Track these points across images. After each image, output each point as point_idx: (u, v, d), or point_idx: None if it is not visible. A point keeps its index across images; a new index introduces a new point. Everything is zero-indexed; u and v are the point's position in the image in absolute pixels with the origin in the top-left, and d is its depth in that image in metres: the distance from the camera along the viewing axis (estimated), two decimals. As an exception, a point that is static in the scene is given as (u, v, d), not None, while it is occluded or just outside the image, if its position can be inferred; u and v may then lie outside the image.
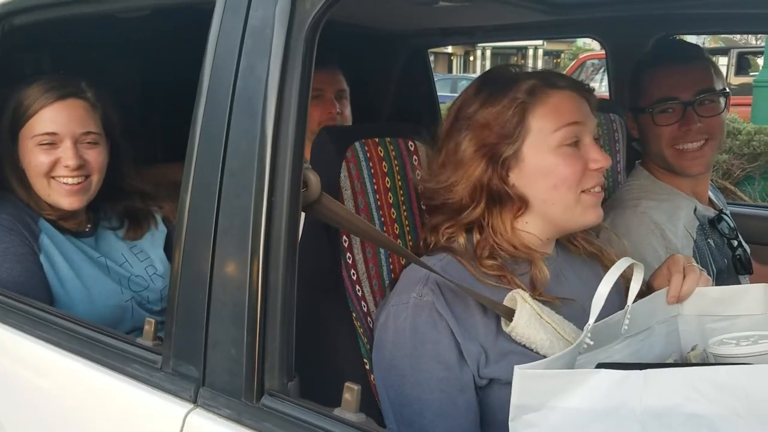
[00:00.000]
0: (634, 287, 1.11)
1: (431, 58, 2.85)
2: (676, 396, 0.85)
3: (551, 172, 1.20)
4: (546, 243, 1.26)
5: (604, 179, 1.24)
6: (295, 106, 0.96)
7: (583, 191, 1.21)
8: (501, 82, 1.24)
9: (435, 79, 2.72)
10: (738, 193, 6.65)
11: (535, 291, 1.19)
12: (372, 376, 1.25)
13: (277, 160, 0.96)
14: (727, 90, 1.75)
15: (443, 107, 2.74)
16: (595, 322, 1.02)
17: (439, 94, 2.85)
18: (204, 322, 1.00)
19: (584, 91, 1.25)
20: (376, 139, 1.38)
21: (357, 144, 1.34)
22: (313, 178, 1.04)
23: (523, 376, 0.90)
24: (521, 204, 1.22)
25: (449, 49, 27.21)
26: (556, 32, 2.68)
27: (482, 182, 1.21)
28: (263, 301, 0.96)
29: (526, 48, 27.11)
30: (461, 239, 1.23)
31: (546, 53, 28.52)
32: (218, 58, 1.02)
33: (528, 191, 1.22)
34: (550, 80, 1.23)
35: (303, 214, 1.19)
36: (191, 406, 1.00)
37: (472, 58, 29.03)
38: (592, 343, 1.01)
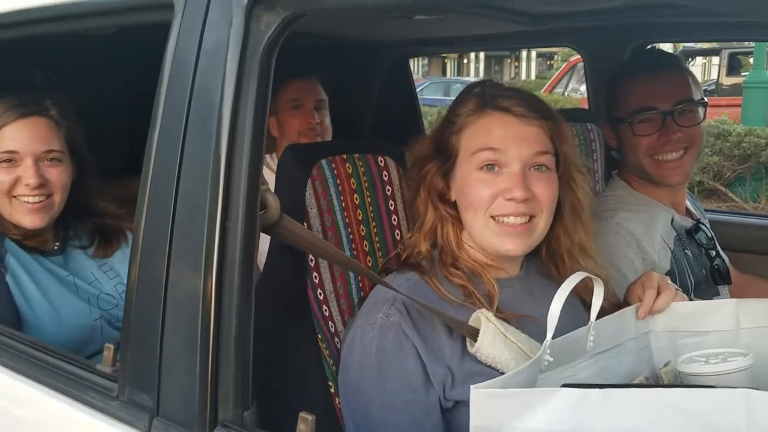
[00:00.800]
0: (596, 303, 1.10)
1: (425, 61, 2.85)
2: (635, 418, 0.83)
3: (464, 192, 1.21)
4: (500, 261, 1.24)
5: (534, 209, 1.18)
6: (250, 128, 0.94)
7: (492, 217, 1.18)
8: (457, 99, 1.27)
9: (429, 83, 2.72)
10: (729, 194, 6.67)
11: (493, 306, 1.17)
12: (337, 399, 1.23)
13: (231, 182, 0.94)
14: (705, 99, 1.74)
15: (436, 111, 2.74)
16: (556, 338, 1.00)
17: (432, 97, 2.85)
18: (158, 349, 0.98)
19: (535, 117, 1.20)
20: (344, 156, 1.36)
21: (323, 161, 1.32)
22: (272, 200, 1.03)
23: (480, 396, 0.89)
24: (458, 218, 1.24)
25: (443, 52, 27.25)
26: (534, 42, 2.67)
27: (430, 193, 1.25)
28: (216, 327, 0.94)
29: (519, 50, 27.17)
30: (424, 249, 1.24)
31: (539, 55, 28.59)
32: (173, 79, 1.01)
33: (459, 208, 1.24)
34: (494, 102, 1.21)
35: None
36: (145, 436, 0.98)
37: (465, 61, 29.07)
38: (552, 359, 1.00)
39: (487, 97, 1.22)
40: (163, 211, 1.00)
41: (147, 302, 1.01)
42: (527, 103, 1.21)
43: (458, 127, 1.23)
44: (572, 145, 1.27)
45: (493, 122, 1.20)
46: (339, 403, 1.22)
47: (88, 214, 1.68)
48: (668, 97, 1.65)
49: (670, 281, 1.26)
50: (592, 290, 1.25)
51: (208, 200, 0.95)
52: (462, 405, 1.13)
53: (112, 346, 1.10)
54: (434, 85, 16.17)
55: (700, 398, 0.83)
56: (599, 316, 1.12)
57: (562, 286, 1.03)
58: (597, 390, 0.85)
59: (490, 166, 1.18)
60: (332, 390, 1.24)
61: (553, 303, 1.02)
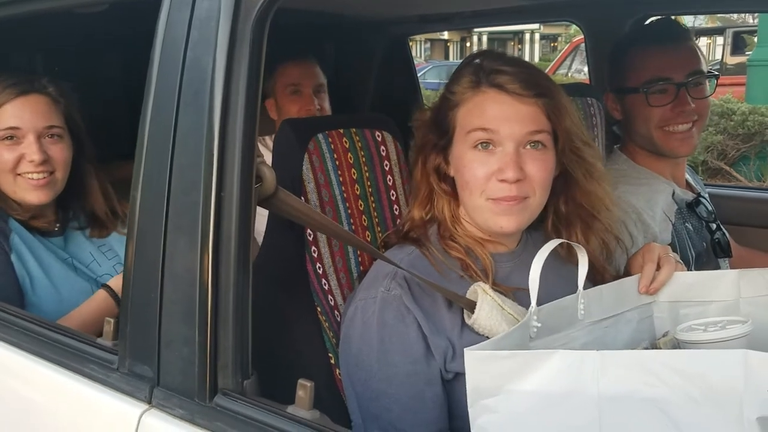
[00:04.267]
0: (582, 271, 1.10)
1: (427, 45, 2.83)
2: (633, 380, 0.84)
3: (460, 171, 1.21)
4: (496, 236, 1.24)
5: (526, 191, 1.17)
6: (243, 99, 0.94)
7: (489, 198, 1.18)
8: (454, 73, 1.26)
9: (431, 66, 2.70)
10: (734, 173, 6.63)
11: (489, 280, 1.18)
12: (337, 370, 1.24)
13: (226, 154, 0.94)
14: (716, 73, 1.74)
15: (438, 95, 2.73)
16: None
17: (435, 81, 2.84)
18: (157, 321, 0.99)
19: (531, 95, 1.18)
20: (341, 131, 1.36)
21: (320, 136, 1.32)
22: (268, 173, 1.02)
23: (475, 358, 0.89)
24: (455, 194, 1.24)
25: (445, 36, 27.08)
26: (534, 17, 2.65)
27: (427, 166, 1.25)
28: (214, 299, 0.94)
29: (522, 32, 26.97)
30: (417, 217, 1.25)
31: (543, 37, 28.40)
32: (165, 51, 1.00)
33: (456, 184, 1.24)
34: (489, 78, 1.19)
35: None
36: (146, 406, 0.99)
37: (468, 44, 28.90)
38: (539, 325, 1.01)
39: (482, 72, 1.21)
40: (158, 184, 1.00)
41: (145, 275, 1.01)
42: (523, 80, 1.18)
43: (454, 104, 1.23)
44: (573, 118, 1.24)
45: (486, 101, 1.19)
46: (339, 374, 1.22)
47: (85, 194, 1.68)
48: (682, 68, 1.65)
49: (671, 252, 1.26)
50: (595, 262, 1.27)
51: (203, 173, 0.95)
52: (461, 376, 1.13)
53: (112, 320, 1.11)
54: (436, 69, 16.08)
55: (699, 360, 0.83)
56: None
57: (541, 250, 1.03)
58: (593, 352, 0.85)
59: (484, 144, 1.18)
60: (332, 361, 1.25)
61: (532, 268, 1.02)
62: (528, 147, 1.18)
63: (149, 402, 0.99)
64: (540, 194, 1.19)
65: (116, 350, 1.07)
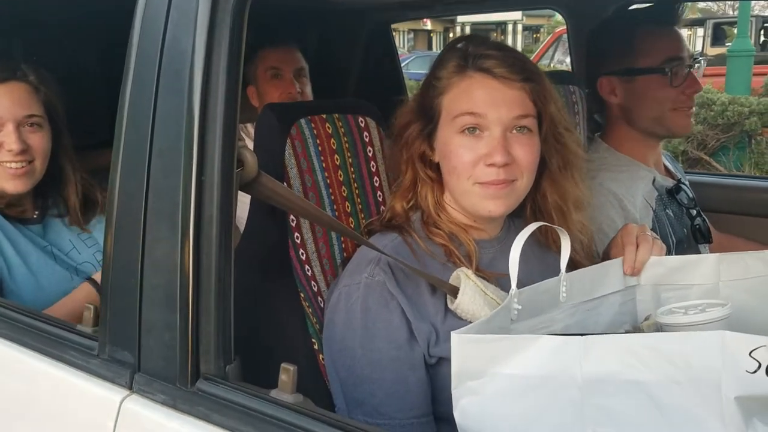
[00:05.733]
0: (564, 254, 1.11)
1: (410, 35, 2.82)
2: (615, 363, 0.84)
3: (447, 157, 1.21)
4: (480, 222, 1.25)
5: (514, 174, 1.17)
6: (224, 80, 0.92)
7: (477, 183, 1.18)
8: (439, 58, 1.26)
9: (414, 57, 2.69)
10: (713, 163, 6.70)
11: (472, 266, 1.18)
12: (321, 356, 1.24)
13: (206, 138, 0.93)
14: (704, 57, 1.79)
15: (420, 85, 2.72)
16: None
17: (418, 71, 2.83)
18: (137, 307, 0.98)
19: (517, 79, 1.18)
20: (324, 116, 1.35)
21: (302, 121, 1.31)
22: (250, 157, 1.01)
23: (461, 341, 0.90)
24: (439, 181, 1.24)
25: (429, 26, 27.02)
26: (517, 4, 2.64)
27: (412, 155, 1.24)
28: (195, 284, 0.93)
29: (505, 23, 26.98)
30: (399, 208, 1.25)
31: (525, 28, 28.44)
32: (144, 31, 0.99)
33: (442, 170, 1.23)
34: (476, 62, 1.19)
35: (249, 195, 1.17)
36: (127, 392, 0.98)
37: (452, 35, 28.86)
38: (520, 307, 1.02)
39: (468, 57, 1.20)
40: (137, 168, 0.98)
41: (124, 260, 1.00)
42: (510, 64, 1.19)
43: (440, 90, 1.22)
44: (557, 104, 1.25)
45: (473, 85, 1.19)
46: (323, 359, 1.22)
47: (64, 182, 1.66)
48: (686, 50, 1.68)
49: (648, 230, 1.27)
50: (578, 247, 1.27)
51: (183, 156, 0.94)
52: (445, 361, 1.14)
53: (92, 306, 1.09)
54: (420, 59, 16.05)
55: (679, 342, 0.84)
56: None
57: (520, 234, 1.04)
58: (577, 337, 0.86)
59: (471, 129, 1.18)
60: (316, 347, 1.24)
61: (512, 250, 1.03)
62: (514, 132, 1.18)
63: (130, 388, 0.98)
64: (527, 177, 1.20)
65: (96, 336, 1.05)
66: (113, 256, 1.01)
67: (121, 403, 0.97)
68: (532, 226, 1.07)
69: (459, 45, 1.25)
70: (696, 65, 1.71)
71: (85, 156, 1.72)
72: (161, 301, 0.96)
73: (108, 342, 1.02)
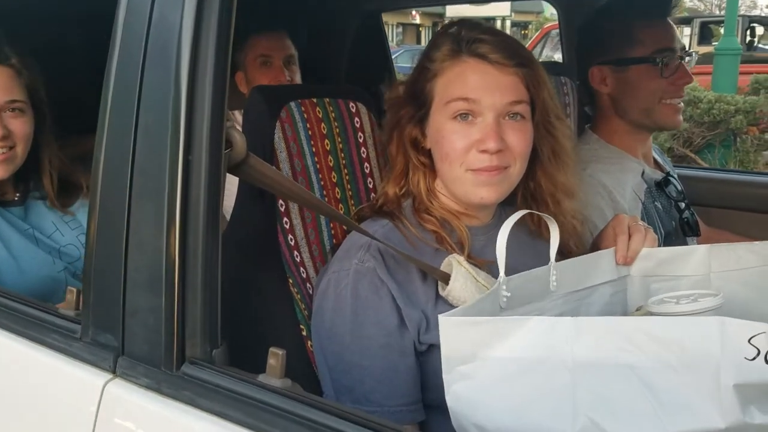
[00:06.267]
0: (554, 242, 1.10)
1: (399, 29, 2.80)
2: (608, 346, 0.83)
3: (439, 143, 1.19)
4: (472, 209, 1.24)
5: (507, 161, 1.16)
6: (213, 57, 0.90)
7: (469, 169, 1.16)
8: (432, 41, 1.24)
9: (403, 51, 2.68)
10: (698, 160, 6.74)
11: (464, 253, 1.17)
12: (309, 342, 1.22)
13: (194, 115, 0.90)
14: (691, 50, 1.78)
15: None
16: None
17: (407, 65, 2.81)
18: (121, 289, 0.95)
19: (512, 65, 1.16)
20: (314, 100, 1.33)
21: (292, 104, 1.29)
22: (239, 138, 0.99)
23: (450, 324, 0.89)
24: (431, 167, 1.22)
25: (417, 20, 26.98)
26: (509, -5, 2.63)
27: (403, 140, 1.22)
28: (181, 266, 0.91)
29: (494, 19, 27.01)
30: (392, 193, 1.23)
31: (514, 24, 28.48)
32: (131, 6, 0.96)
33: (434, 156, 1.22)
34: (470, 47, 1.18)
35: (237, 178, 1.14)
36: (110, 375, 0.96)
37: (440, 29, 28.77)
38: (509, 294, 1.00)
39: (462, 41, 1.19)
40: (122, 147, 0.95)
41: (108, 241, 0.97)
42: (504, 49, 1.17)
43: (432, 73, 1.20)
44: (550, 91, 1.24)
45: (467, 70, 1.17)
46: (311, 346, 1.21)
47: (47, 165, 1.62)
48: (677, 42, 1.67)
49: (640, 221, 1.26)
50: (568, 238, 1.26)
51: (170, 135, 0.91)
52: (435, 348, 1.13)
53: (75, 289, 1.07)
54: (408, 53, 16.03)
55: (675, 326, 0.83)
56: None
57: (507, 220, 1.03)
58: (568, 318, 0.85)
59: (464, 116, 1.16)
60: (304, 333, 1.23)
61: (498, 236, 1.01)
62: (507, 118, 1.17)
63: (113, 371, 0.96)
64: (520, 164, 1.18)
65: (79, 320, 1.03)
66: (96, 238, 0.99)
67: (104, 386, 0.95)
68: (520, 213, 1.06)
69: (452, 29, 1.23)
70: (687, 58, 1.69)
71: (71, 141, 1.69)
72: (146, 283, 0.94)
73: (91, 325, 1.00)
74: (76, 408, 0.98)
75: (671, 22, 1.70)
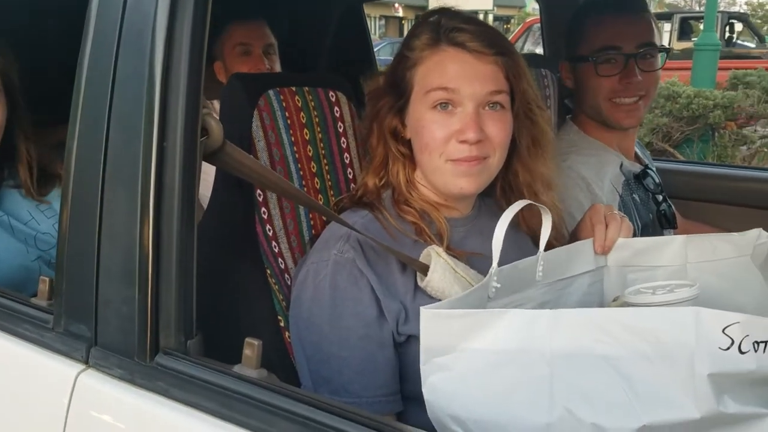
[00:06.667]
0: (545, 232, 1.10)
1: (381, 22, 2.77)
2: (584, 337, 0.83)
3: (419, 133, 1.18)
4: (452, 201, 1.23)
5: (486, 152, 1.16)
6: (188, 44, 0.88)
7: (449, 160, 1.16)
8: (412, 30, 1.23)
9: (385, 43, 2.65)
10: (677, 155, 6.80)
11: (443, 244, 1.16)
12: (287, 333, 1.21)
13: (169, 102, 0.88)
14: (667, 46, 1.75)
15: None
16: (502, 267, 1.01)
17: (389, 58, 2.78)
18: (94, 279, 0.93)
19: (491, 54, 1.16)
20: (293, 88, 1.32)
21: (271, 92, 1.27)
22: (215, 125, 0.97)
23: (430, 316, 0.88)
24: (411, 157, 1.21)
25: (400, 13, 26.92)
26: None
27: (383, 130, 1.21)
28: (156, 256, 0.89)
29: (476, 13, 27.08)
30: (371, 184, 1.22)
31: (496, 18, 28.52)
32: (105, -10, 0.94)
33: (413, 147, 1.21)
34: (449, 36, 1.17)
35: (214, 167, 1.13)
36: (83, 366, 0.94)
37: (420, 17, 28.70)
38: (499, 285, 1.00)
39: (442, 29, 1.18)
40: (95, 134, 0.94)
41: (81, 230, 0.96)
42: (483, 38, 1.17)
43: (412, 62, 1.20)
44: (529, 80, 1.24)
45: (447, 59, 1.16)
46: (289, 337, 1.20)
47: (24, 154, 1.59)
48: (633, 39, 1.64)
49: (616, 210, 1.27)
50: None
51: (144, 121, 0.89)
52: (414, 339, 1.13)
53: (47, 279, 1.05)
54: (390, 46, 16.02)
55: (650, 317, 0.84)
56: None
57: (506, 212, 1.02)
58: (546, 311, 0.85)
59: (443, 105, 1.15)
60: (282, 324, 1.22)
61: (496, 229, 1.01)
62: (487, 108, 1.16)
63: (86, 362, 0.94)
64: (499, 155, 1.18)
65: (51, 310, 1.01)
66: (69, 226, 0.97)
67: (76, 377, 0.93)
68: (521, 203, 1.06)
69: (432, 18, 1.22)
70: (647, 56, 1.65)
71: (47, 130, 1.65)
72: (119, 273, 0.92)
73: (63, 315, 0.98)
74: (48, 399, 0.96)
75: (630, 19, 1.66)
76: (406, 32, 1.34)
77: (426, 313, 0.88)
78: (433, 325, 0.88)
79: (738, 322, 0.76)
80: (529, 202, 1.12)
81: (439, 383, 0.88)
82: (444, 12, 1.22)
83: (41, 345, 0.99)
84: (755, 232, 1.13)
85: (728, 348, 0.76)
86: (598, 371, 0.82)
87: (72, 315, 0.97)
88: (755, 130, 7.08)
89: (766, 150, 6.86)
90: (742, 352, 0.76)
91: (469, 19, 1.21)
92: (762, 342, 0.76)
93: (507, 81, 1.18)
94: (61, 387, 0.94)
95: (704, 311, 0.78)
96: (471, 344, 0.85)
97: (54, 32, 2.02)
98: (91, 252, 0.94)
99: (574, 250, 1.20)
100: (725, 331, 0.76)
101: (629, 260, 1.24)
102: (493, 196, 1.30)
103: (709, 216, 2.16)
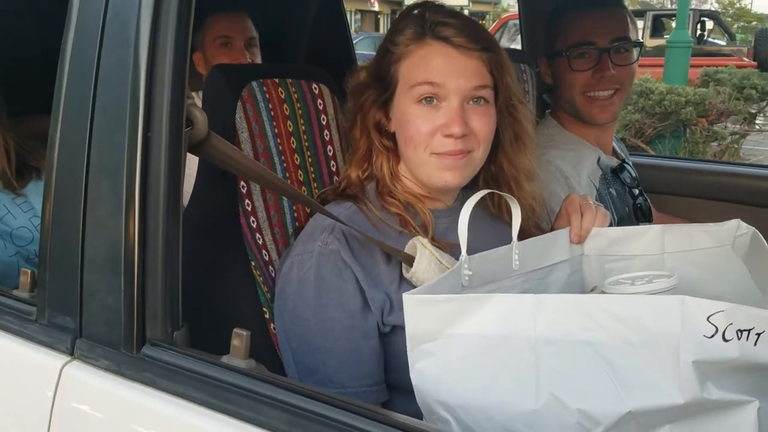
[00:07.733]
0: (515, 222, 1.12)
1: (357, 16, 2.76)
2: (570, 323, 0.84)
3: (403, 127, 1.19)
4: (436, 193, 1.24)
5: (471, 145, 1.17)
6: (173, 34, 0.88)
7: (433, 153, 1.17)
8: (395, 23, 1.23)
9: (362, 38, 2.63)
10: (649, 151, 6.91)
11: (428, 235, 1.17)
12: (272, 325, 1.21)
13: (154, 91, 0.88)
14: (642, 40, 1.77)
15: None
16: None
17: (365, 52, 2.77)
18: (78, 270, 0.92)
19: (476, 49, 1.17)
20: (276, 80, 1.31)
21: (254, 83, 1.26)
22: (200, 116, 0.97)
23: (414, 302, 0.89)
24: (395, 150, 1.22)
25: (376, 7, 26.85)
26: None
27: (367, 123, 1.22)
28: (141, 246, 0.89)
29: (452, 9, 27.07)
30: (354, 176, 1.22)
31: (471, 14, 28.64)
32: (88, -21, 0.93)
33: (398, 140, 1.21)
34: (434, 30, 1.17)
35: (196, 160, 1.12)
36: (68, 358, 0.93)
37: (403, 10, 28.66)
38: (471, 272, 1.01)
39: (426, 23, 1.18)
40: (78, 123, 0.92)
41: (65, 221, 0.94)
42: (469, 33, 1.17)
43: (396, 56, 1.20)
44: (512, 75, 1.26)
45: (432, 54, 1.17)
46: (274, 329, 1.20)
47: (2, 145, 1.56)
48: (606, 34, 1.67)
49: (591, 200, 1.28)
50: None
51: (129, 111, 0.89)
52: (399, 329, 1.13)
53: (29, 271, 1.04)
54: (367, 40, 15.96)
55: (636, 304, 0.85)
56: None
57: (469, 200, 1.03)
58: (530, 296, 0.86)
59: (429, 99, 1.16)
60: (267, 316, 1.21)
61: (460, 217, 1.02)
62: (471, 103, 1.17)
63: (71, 353, 0.93)
64: (483, 148, 1.19)
65: (34, 301, 1.00)
66: (53, 217, 0.96)
67: (61, 369, 0.92)
68: (482, 193, 1.07)
69: (416, 11, 1.22)
70: (621, 50, 1.67)
71: (25, 121, 1.63)
72: (105, 263, 0.91)
73: (47, 306, 0.97)
74: (33, 392, 0.95)
75: (604, 14, 1.69)
76: (382, 26, 1.35)
77: (409, 299, 0.88)
78: (416, 312, 0.88)
79: (722, 311, 0.77)
80: (491, 191, 1.14)
81: (426, 369, 0.88)
82: (428, 6, 1.22)
83: (25, 337, 0.98)
84: (734, 223, 1.15)
85: (712, 336, 0.77)
86: (583, 357, 0.83)
87: (56, 306, 0.96)
88: (725, 127, 7.21)
89: (736, 146, 7.00)
90: (725, 340, 0.77)
91: (453, 13, 1.22)
92: (745, 330, 0.77)
93: (491, 76, 1.20)
94: (46, 379, 0.93)
95: (689, 300, 0.80)
96: (456, 329, 0.86)
97: (28, 21, 1.98)
98: (76, 243, 0.93)
99: (551, 240, 1.21)
100: (710, 320, 0.77)
101: (606, 249, 1.25)
102: (475, 189, 1.31)
103: (683, 209, 2.20)
